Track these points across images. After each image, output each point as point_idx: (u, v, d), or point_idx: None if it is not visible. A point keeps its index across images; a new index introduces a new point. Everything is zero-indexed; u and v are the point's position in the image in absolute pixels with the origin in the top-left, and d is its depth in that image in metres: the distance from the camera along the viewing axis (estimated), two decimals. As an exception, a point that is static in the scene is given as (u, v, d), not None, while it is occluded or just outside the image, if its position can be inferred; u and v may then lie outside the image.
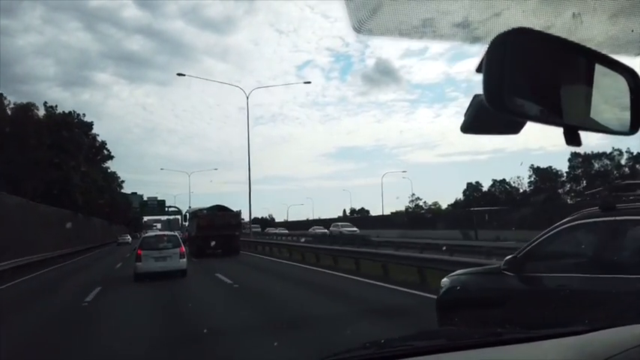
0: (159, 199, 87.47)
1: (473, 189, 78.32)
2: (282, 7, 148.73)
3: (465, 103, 1.07)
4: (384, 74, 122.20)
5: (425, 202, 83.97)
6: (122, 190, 78.29)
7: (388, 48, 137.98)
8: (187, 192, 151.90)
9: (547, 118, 0.88)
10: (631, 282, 3.34)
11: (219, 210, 27.37)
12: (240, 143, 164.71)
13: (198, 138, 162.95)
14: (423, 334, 2.16)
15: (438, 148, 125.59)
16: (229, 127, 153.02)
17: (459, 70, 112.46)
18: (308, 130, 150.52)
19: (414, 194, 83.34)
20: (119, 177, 76.77)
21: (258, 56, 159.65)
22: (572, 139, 0.90)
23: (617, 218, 3.67)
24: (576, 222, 3.99)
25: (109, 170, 65.71)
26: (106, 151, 56.95)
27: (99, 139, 54.91)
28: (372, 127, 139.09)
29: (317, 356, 1.80)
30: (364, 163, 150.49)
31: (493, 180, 76.20)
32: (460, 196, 79.55)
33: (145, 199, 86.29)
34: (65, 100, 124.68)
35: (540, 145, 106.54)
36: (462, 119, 1.04)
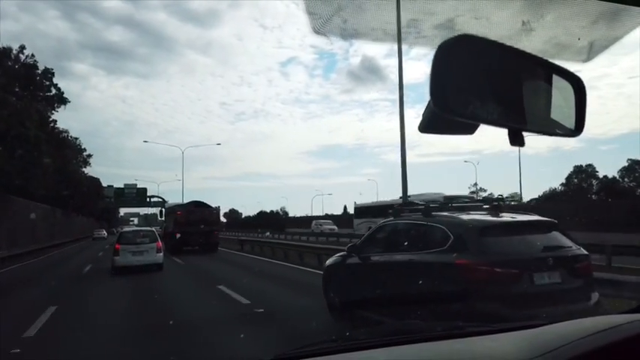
0: (139, 187, 68.85)
1: (584, 175, 57.87)
2: (267, 2, 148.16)
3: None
4: (369, 72, 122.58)
5: (491, 193, 63.23)
6: (90, 172, 59.73)
7: (371, 47, 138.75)
8: (173, 182, 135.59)
9: (491, 119, 0.94)
10: (406, 256, 5.96)
11: (197, 206, 26.77)
12: (221, 139, 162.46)
13: (179, 133, 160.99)
14: (388, 327, 2.22)
15: (418, 149, 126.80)
16: (211, 122, 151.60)
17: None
18: (290, 128, 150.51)
19: (476, 184, 65.72)
20: (83, 148, 54.78)
21: (241, 51, 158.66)
22: (515, 139, 0.96)
23: (398, 221, 6.70)
24: (382, 224, 7.03)
25: (68, 135, 45.81)
26: (55, 90, 34.29)
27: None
28: (355, 125, 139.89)
29: (286, 349, 1.85)
30: (345, 162, 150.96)
31: (630, 160, 54.92)
32: (550, 186, 59.99)
33: (122, 186, 67.90)
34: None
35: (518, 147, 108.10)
36: None
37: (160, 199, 68.38)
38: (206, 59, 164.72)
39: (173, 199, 59.87)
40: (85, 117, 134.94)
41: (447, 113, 0.89)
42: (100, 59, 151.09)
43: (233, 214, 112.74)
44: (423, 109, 1.12)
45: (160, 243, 16.66)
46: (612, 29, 1.14)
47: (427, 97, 0.90)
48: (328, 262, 7.98)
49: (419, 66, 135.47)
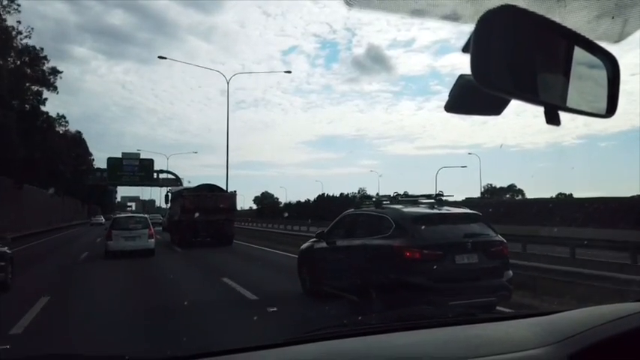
0: (143, 157, 50.83)
1: None
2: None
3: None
4: (373, 61, 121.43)
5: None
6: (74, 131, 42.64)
7: (375, 38, 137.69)
8: (187, 157, 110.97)
9: (529, 96, 0.91)
10: (361, 241, 7.07)
11: (209, 190, 22.85)
12: (221, 127, 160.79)
13: (179, 119, 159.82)
14: (399, 313, 2.22)
15: (418, 141, 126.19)
16: (210, 109, 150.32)
17: (444, 63, 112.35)
18: (290, 117, 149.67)
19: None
20: (44, 55, 33.37)
21: (243, 38, 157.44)
22: (551, 118, 0.94)
23: (357, 212, 7.88)
24: (344, 214, 8.17)
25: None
26: None
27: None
28: (355, 116, 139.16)
29: (296, 332, 1.84)
30: (343, 153, 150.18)
31: None
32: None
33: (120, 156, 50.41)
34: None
35: (517, 142, 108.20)
36: (443, 113, 1.07)
37: (173, 176, 51.29)
38: (207, 46, 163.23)
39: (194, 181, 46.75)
40: (84, 101, 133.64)
41: (490, 88, 0.86)
42: (99, 43, 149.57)
43: (267, 199, 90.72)
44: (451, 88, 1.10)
45: (152, 229, 17.14)
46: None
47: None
48: (302, 246, 9.24)
49: (422, 58, 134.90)
